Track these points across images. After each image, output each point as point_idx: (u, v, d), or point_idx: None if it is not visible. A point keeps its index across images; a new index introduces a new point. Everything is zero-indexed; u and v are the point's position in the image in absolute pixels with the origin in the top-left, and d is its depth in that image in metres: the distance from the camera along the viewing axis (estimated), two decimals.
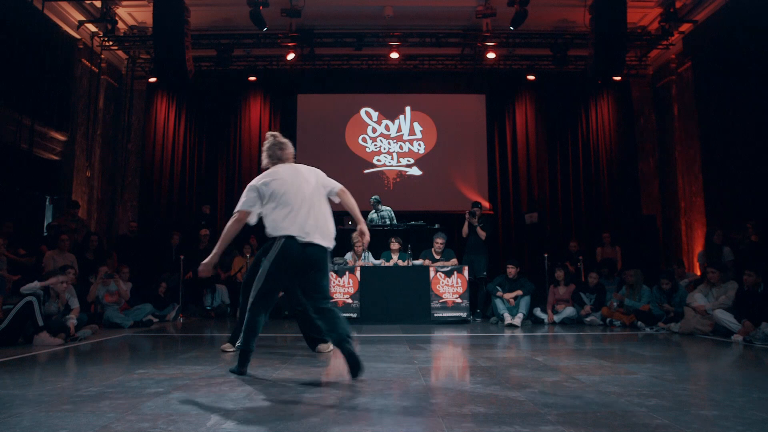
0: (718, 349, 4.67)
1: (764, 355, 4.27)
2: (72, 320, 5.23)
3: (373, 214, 8.48)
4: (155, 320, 6.77)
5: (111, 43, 9.54)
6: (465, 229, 7.59)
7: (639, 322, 6.29)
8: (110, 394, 2.68)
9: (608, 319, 6.60)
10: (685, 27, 9.15)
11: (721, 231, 7.22)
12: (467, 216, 7.58)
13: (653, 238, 9.58)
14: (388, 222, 8.40)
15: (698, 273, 7.83)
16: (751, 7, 7.36)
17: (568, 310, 6.95)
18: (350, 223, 8.49)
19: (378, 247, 7.59)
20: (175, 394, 2.71)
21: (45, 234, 7.80)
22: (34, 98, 7.82)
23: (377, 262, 7.35)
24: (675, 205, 9.93)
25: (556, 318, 6.94)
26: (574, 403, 2.50)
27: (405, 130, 10.88)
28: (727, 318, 5.38)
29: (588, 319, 6.79)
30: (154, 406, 2.44)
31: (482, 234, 7.46)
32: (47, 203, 8.73)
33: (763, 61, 7.15)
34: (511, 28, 8.93)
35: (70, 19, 8.78)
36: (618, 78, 9.74)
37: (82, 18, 8.91)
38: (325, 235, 3.22)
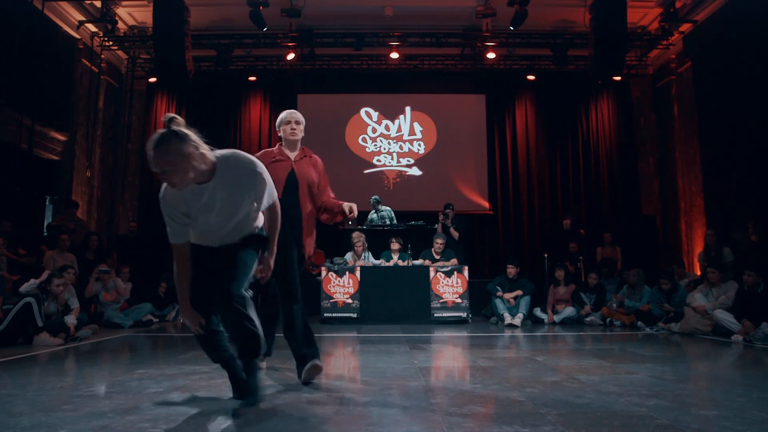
0: (718, 349, 4.67)
1: (764, 355, 4.27)
2: (72, 320, 5.24)
3: (373, 214, 8.47)
4: (155, 320, 6.77)
5: (111, 43, 9.53)
6: (439, 230, 7.78)
7: (639, 322, 6.29)
8: (110, 394, 2.68)
9: (608, 319, 6.60)
10: (685, 27, 9.15)
11: (713, 231, 7.23)
12: (440, 217, 7.83)
13: (653, 238, 9.59)
14: (388, 222, 8.40)
15: (698, 273, 7.83)
16: (751, 7, 7.36)
17: (568, 310, 6.95)
18: (350, 223, 8.49)
19: (378, 247, 7.60)
20: (175, 394, 2.70)
21: (45, 234, 7.80)
22: (34, 98, 7.81)
23: (377, 262, 7.35)
24: (675, 205, 9.92)
25: (556, 318, 6.94)
26: (574, 403, 2.50)
27: (405, 130, 10.88)
28: (727, 318, 5.37)
29: (588, 319, 6.79)
30: (154, 406, 2.44)
31: (455, 234, 7.72)
32: (47, 203, 8.72)
33: (763, 61, 7.15)
34: (511, 28, 8.92)
35: (70, 19, 8.78)
36: (618, 78, 9.74)
37: (82, 18, 8.90)
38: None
